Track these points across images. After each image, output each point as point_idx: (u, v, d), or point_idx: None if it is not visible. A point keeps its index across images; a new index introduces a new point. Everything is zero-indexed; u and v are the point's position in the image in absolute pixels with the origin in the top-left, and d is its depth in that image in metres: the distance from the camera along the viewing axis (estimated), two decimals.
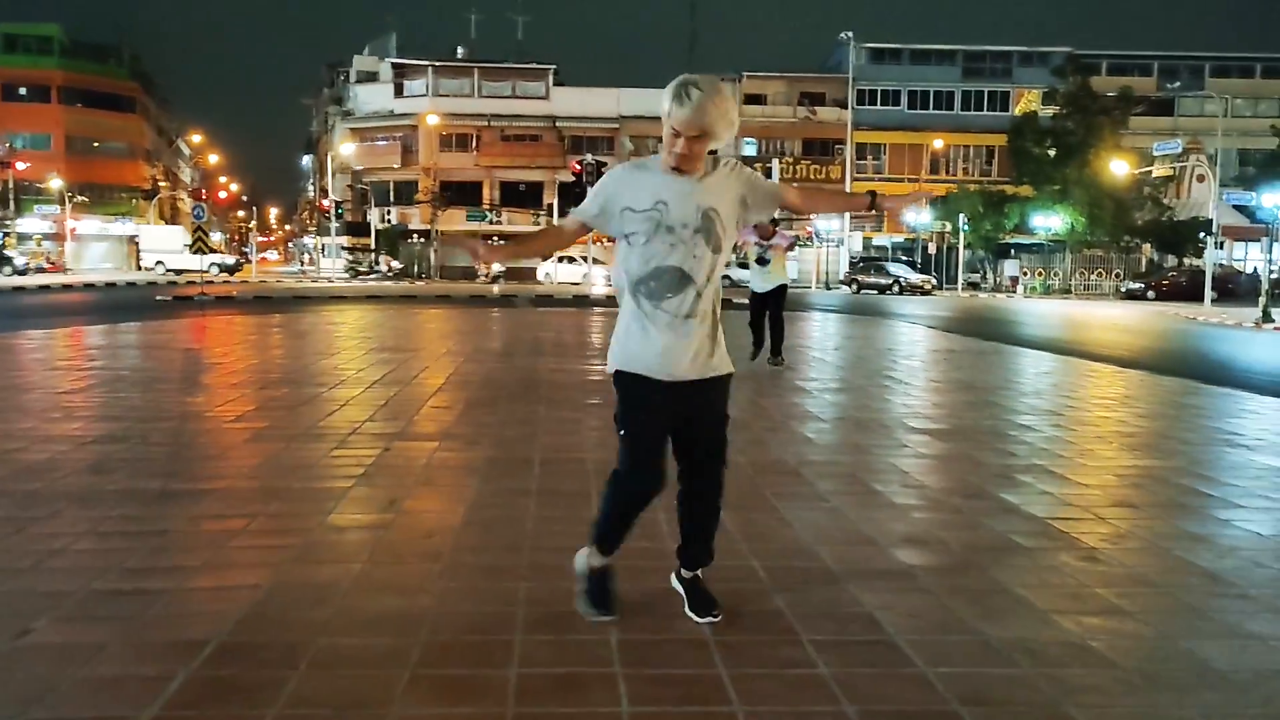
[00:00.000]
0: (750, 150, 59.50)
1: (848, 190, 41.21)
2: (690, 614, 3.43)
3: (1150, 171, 46.45)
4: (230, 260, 60.07)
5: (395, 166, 60.47)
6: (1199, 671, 3.11)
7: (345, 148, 60.99)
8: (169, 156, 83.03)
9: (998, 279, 54.73)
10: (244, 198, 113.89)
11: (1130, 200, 49.73)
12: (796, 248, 47.97)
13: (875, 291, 45.93)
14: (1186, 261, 49.57)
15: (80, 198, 60.40)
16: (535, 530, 4.47)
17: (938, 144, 57.56)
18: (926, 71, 60.59)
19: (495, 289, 32.70)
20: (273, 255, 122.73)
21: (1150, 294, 44.25)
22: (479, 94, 60.74)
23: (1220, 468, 6.26)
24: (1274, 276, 27.48)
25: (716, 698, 2.85)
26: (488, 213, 59.52)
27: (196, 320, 19.48)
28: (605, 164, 31.76)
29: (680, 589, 3.54)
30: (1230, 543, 4.52)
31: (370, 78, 63.98)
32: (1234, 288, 41.10)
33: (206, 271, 50.01)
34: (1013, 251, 54.69)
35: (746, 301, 11.86)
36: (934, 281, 48.89)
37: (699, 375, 3.22)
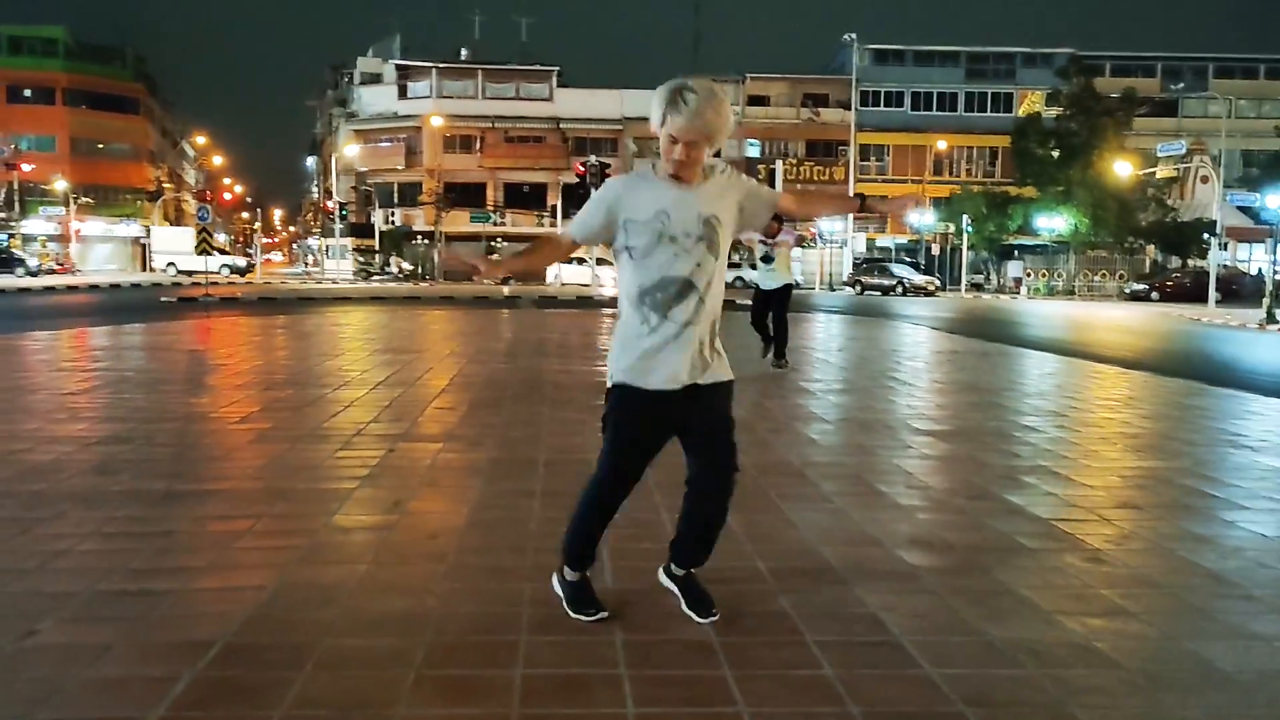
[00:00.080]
0: (753, 152, 59.57)
1: (850, 194, 41.24)
2: (689, 612, 3.42)
3: (1154, 173, 46.42)
4: (242, 262, 60.16)
5: (399, 168, 60.60)
6: (1203, 672, 3.11)
7: (349, 149, 61.09)
8: (173, 158, 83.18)
9: (1001, 280, 54.68)
10: (248, 199, 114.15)
11: (1134, 201, 49.69)
12: (804, 245, 47.98)
13: (879, 293, 45.91)
14: (1190, 263, 49.48)
15: (85, 199, 60.54)
16: (539, 531, 4.47)
17: (941, 145, 57.56)
18: (930, 73, 60.64)
19: (506, 290, 32.74)
20: (276, 257, 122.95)
21: (1154, 295, 44.18)
22: (483, 95, 60.88)
23: (1224, 469, 6.25)
24: (1278, 278, 27.40)
25: (721, 699, 2.86)
26: (491, 214, 59.58)
27: (201, 322, 19.51)
28: (609, 165, 31.83)
29: (673, 586, 3.50)
30: (1235, 544, 4.51)
31: (374, 79, 64.11)
32: (1238, 289, 41.02)
33: (218, 273, 50.28)
34: (1016, 253, 54.66)
35: (749, 302, 11.84)
36: (938, 283, 48.88)
37: (699, 381, 3.19)
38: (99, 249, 63.79)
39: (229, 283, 44.69)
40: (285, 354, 13.11)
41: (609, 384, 3.27)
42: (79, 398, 8.46)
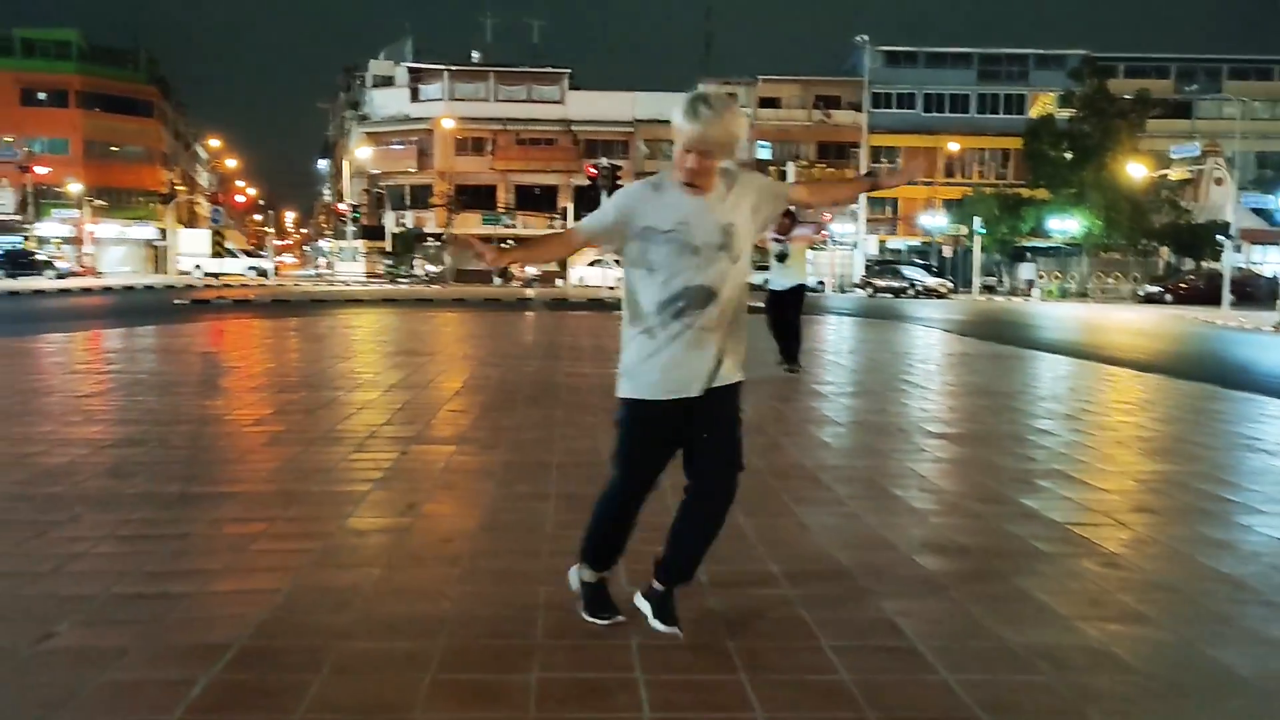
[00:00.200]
0: (765, 154, 59.56)
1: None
2: (654, 620, 3.31)
3: (1167, 174, 46.25)
4: (267, 264, 60.12)
5: (411, 170, 60.74)
6: (1222, 678, 3.09)
7: (361, 151, 61.27)
8: (186, 160, 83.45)
9: (1013, 282, 54.54)
10: (260, 201, 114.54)
11: (1147, 203, 49.53)
12: (814, 247, 47.86)
13: (891, 295, 45.85)
14: (1204, 265, 49.29)
15: (98, 202, 60.79)
16: (554, 534, 4.47)
17: (953, 147, 57.36)
18: (942, 74, 60.48)
19: (530, 292, 32.70)
20: (289, 259, 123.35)
21: (1168, 297, 44.04)
22: (494, 98, 60.97)
23: (1241, 473, 6.22)
24: None
25: (738, 704, 2.85)
26: (503, 216, 59.66)
27: (214, 324, 19.57)
28: (620, 167, 31.79)
29: (645, 607, 3.35)
30: (1252, 548, 4.49)
31: (386, 82, 64.27)
32: (1252, 291, 40.80)
33: (244, 275, 50.38)
34: (1029, 255, 54.54)
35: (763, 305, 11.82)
36: (950, 285, 48.77)
37: (713, 384, 3.18)
38: (113, 251, 64.00)
39: (241, 285, 44.79)
40: (298, 356, 13.15)
41: (620, 396, 3.24)
42: (93, 400, 8.50)
